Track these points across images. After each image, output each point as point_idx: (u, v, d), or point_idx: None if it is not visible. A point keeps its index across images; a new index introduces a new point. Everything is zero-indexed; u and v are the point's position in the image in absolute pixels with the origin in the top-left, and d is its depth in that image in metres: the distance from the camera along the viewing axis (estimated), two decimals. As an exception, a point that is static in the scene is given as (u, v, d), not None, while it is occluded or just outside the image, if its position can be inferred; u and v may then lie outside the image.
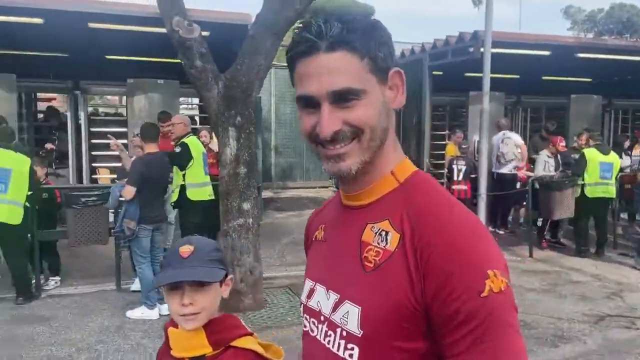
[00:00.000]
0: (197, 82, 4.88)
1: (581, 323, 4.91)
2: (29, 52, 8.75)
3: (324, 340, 1.00)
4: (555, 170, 7.86)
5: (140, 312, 4.95)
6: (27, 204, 5.26)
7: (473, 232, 0.90)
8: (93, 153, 9.00)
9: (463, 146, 8.53)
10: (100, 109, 13.53)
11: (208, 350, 1.40)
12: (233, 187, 5.09)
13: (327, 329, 0.99)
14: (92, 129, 8.89)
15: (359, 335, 0.92)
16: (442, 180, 10.55)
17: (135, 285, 5.65)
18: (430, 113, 9.94)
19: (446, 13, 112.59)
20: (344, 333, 0.95)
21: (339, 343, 0.96)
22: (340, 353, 0.95)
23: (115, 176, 9.36)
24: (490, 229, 8.41)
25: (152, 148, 5.13)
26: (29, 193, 5.29)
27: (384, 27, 0.98)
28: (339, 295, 0.98)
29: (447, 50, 9.28)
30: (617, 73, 12.79)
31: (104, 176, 9.84)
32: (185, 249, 1.39)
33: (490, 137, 8.38)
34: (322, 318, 1.02)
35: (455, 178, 8.18)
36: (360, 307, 0.93)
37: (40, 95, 10.80)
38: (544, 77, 13.21)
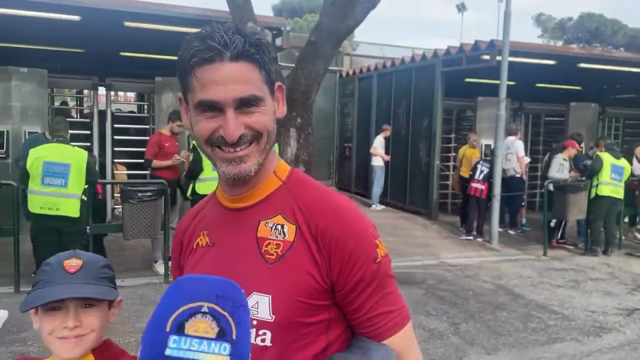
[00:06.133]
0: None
1: (615, 316, 5.33)
2: (60, 48, 8.81)
3: None
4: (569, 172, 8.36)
5: None
6: (83, 197, 5.39)
7: (354, 212, 1.08)
8: (115, 149, 9.09)
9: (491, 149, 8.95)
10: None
11: None
12: (292, 185, 5.35)
13: None
14: (116, 126, 8.98)
15: (272, 321, 1.02)
16: (448, 182, 11.05)
17: None
18: (442, 116, 10.34)
19: (423, 17, 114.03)
20: (255, 322, 1.02)
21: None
22: (252, 340, 1.00)
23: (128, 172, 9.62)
24: (500, 229, 8.85)
25: None
26: (86, 186, 5.42)
27: (271, 46, 1.14)
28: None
29: (461, 57, 9.69)
30: (607, 82, 13.50)
31: (121, 172, 9.92)
32: (72, 263, 1.22)
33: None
34: None
35: (476, 177, 8.58)
36: (270, 295, 1.02)
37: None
38: (538, 85, 13.85)
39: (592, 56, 10.14)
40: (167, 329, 0.71)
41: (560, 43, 35.93)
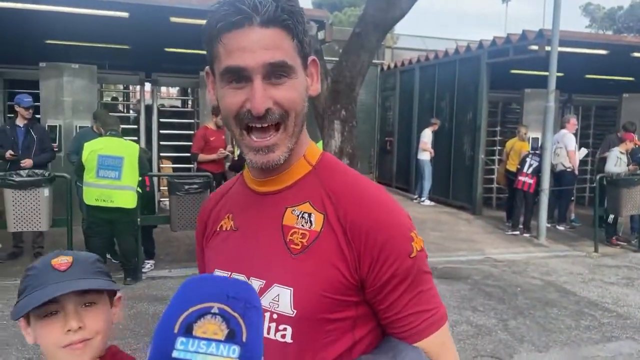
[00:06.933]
0: (309, 77, 5.11)
1: (674, 315, 5.10)
2: (108, 45, 9.06)
3: None
4: (627, 166, 8.03)
5: None
6: (138, 189, 5.52)
7: (387, 202, 0.99)
8: (161, 143, 9.28)
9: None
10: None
11: None
12: (337, 177, 5.32)
13: None
14: (162, 120, 9.16)
15: (293, 315, 0.95)
16: (493, 176, 10.80)
17: None
18: (487, 109, 10.11)
19: (465, 8, 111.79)
20: (275, 316, 0.96)
21: (269, 327, 0.97)
22: (272, 336, 0.96)
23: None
24: (548, 224, 8.60)
25: None
26: (140, 179, 5.55)
27: (303, 14, 0.99)
28: (264, 281, 0.99)
29: (507, 48, 9.43)
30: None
31: (166, 166, 10.14)
32: (62, 261, 1.10)
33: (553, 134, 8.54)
34: None
35: (524, 170, 8.36)
36: (292, 288, 0.95)
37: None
38: (588, 76, 13.35)
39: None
40: (175, 330, 0.70)
41: (609, 33, 34.60)
